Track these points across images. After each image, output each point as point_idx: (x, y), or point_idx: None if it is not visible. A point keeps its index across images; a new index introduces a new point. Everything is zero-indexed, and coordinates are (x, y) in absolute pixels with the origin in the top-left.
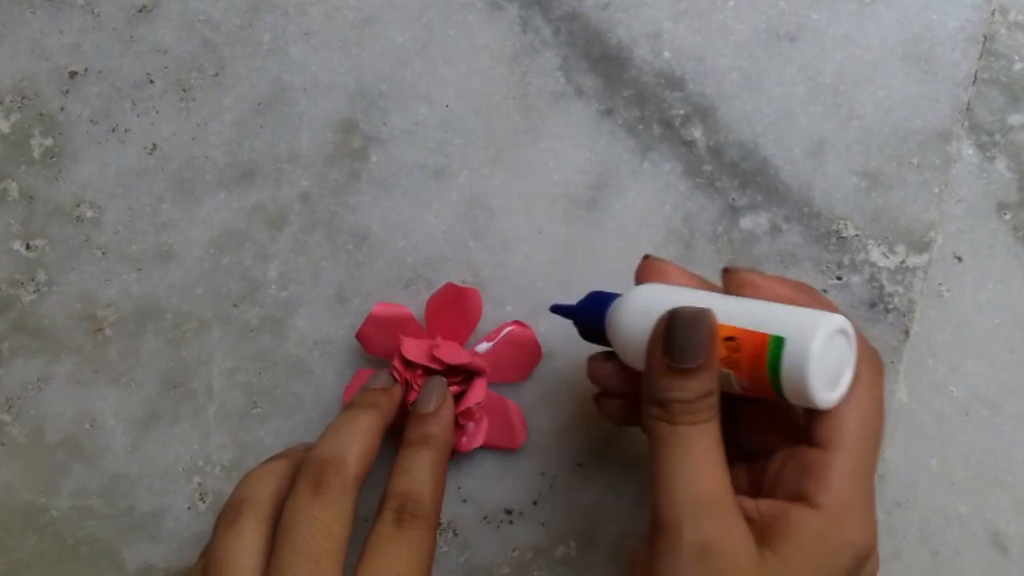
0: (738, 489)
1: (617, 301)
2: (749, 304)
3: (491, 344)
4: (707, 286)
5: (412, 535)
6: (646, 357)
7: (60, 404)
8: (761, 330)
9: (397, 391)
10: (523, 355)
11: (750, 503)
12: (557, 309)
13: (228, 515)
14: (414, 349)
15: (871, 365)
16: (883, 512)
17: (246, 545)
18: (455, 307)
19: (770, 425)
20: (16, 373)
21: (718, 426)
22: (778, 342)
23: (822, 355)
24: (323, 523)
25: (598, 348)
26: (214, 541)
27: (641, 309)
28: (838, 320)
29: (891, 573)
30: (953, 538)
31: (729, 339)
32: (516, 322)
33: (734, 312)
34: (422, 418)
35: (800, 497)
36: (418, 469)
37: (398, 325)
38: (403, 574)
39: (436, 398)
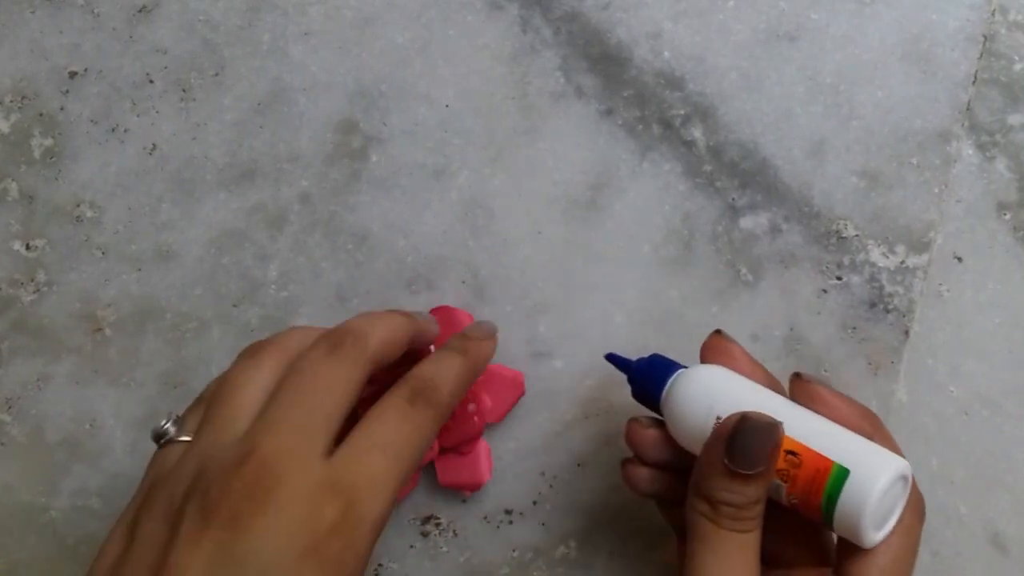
0: None
1: (680, 374)
2: (818, 423)
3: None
4: (770, 380)
5: (420, 416)
6: (704, 450)
7: (60, 404)
8: (827, 455)
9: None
10: (504, 394)
11: None
12: (613, 359)
13: (253, 348)
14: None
15: (914, 509)
16: None
17: (259, 379)
18: (449, 329)
19: (797, 539)
20: (16, 373)
21: (759, 537)
22: (842, 473)
23: (883, 497)
24: (327, 379)
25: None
26: (232, 368)
27: (704, 392)
28: (903, 465)
29: None
30: (953, 538)
31: (791, 453)
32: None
33: (801, 427)
34: (466, 335)
35: None
36: (447, 366)
37: None
38: (398, 446)
39: (488, 329)
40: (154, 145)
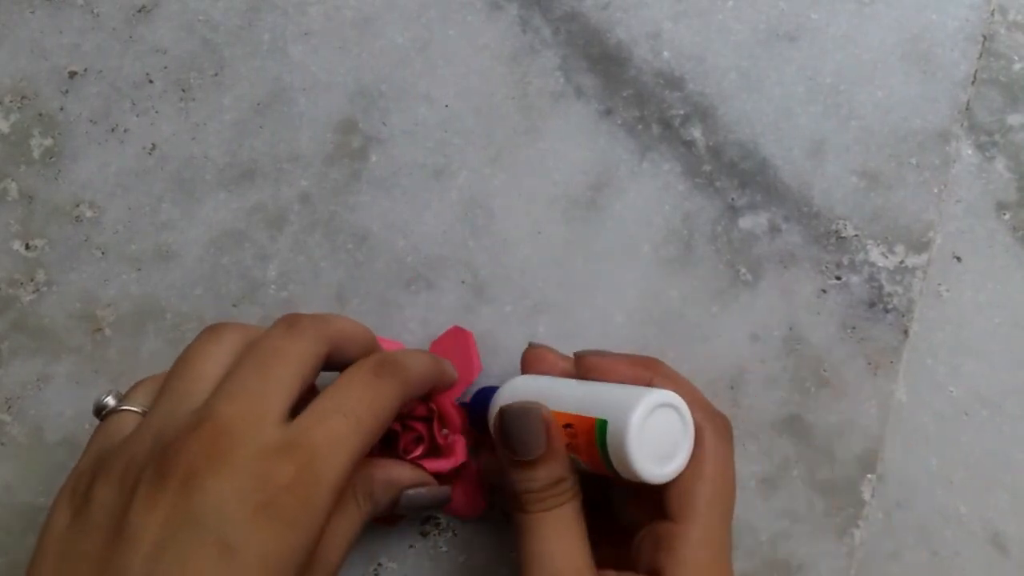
0: (616, 564)
1: (493, 397)
2: (587, 388)
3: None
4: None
5: (383, 386)
6: (498, 452)
7: (60, 404)
8: (589, 414)
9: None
10: (474, 496)
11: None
12: (462, 406)
13: (214, 327)
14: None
15: (717, 432)
16: (883, 512)
17: (218, 354)
18: (456, 352)
19: (638, 500)
20: (16, 373)
21: (575, 507)
22: (602, 425)
23: (641, 431)
24: (283, 350)
25: None
26: (194, 343)
27: (508, 403)
28: (661, 395)
29: (890, 573)
30: (953, 538)
31: (568, 426)
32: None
33: (573, 398)
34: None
35: (655, 570)
36: (414, 355)
37: None
38: (360, 412)
39: (451, 369)
40: (154, 145)
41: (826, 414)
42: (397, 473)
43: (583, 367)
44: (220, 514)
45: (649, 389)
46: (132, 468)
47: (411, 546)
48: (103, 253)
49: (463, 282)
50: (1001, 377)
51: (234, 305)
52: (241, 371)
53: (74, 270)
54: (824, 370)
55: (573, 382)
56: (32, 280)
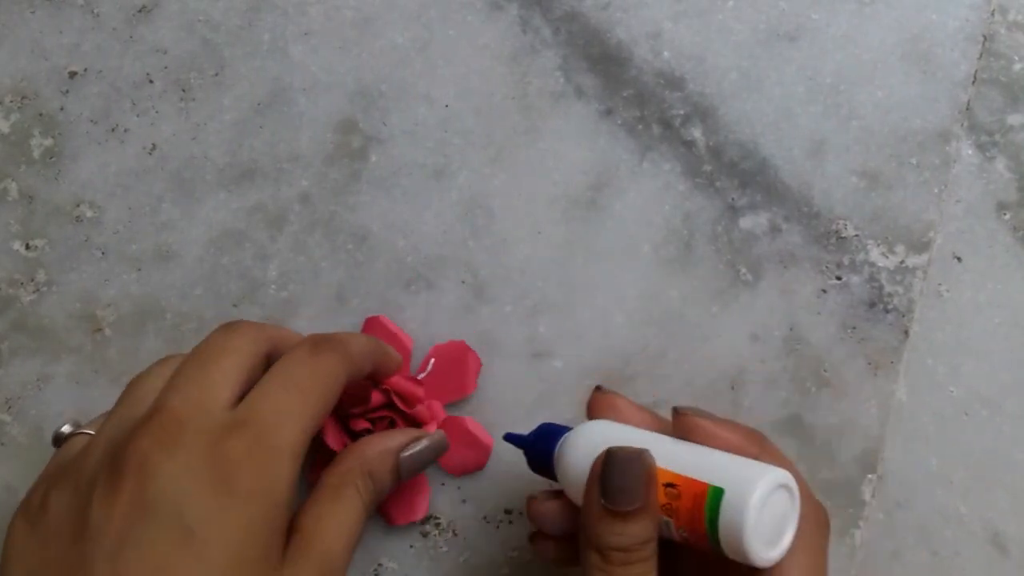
0: None
1: (566, 437)
2: (694, 450)
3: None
4: (658, 422)
5: (323, 359)
6: (584, 498)
7: (60, 404)
8: (702, 478)
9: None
10: (469, 451)
11: None
12: (510, 438)
13: (232, 324)
14: (334, 432)
15: (815, 522)
16: (883, 512)
17: (164, 374)
18: (453, 364)
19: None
20: (16, 373)
21: (655, 574)
22: (717, 493)
23: (761, 510)
24: (223, 346)
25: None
26: (213, 335)
27: (589, 447)
28: (781, 475)
29: (891, 573)
30: (953, 538)
31: (669, 485)
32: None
33: (677, 457)
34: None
35: None
36: (352, 335)
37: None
38: (303, 384)
39: (393, 351)
40: (154, 145)
41: (826, 414)
42: (385, 441)
43: (684, 426)
44: (176, 498)
45: (769, 466)
46: (85, 472)
47: (411, 546)
48: (103, 253)
49: (463, 282)
50: (1001, 377)
51: (234, 305)
52: (185, 368)
53: (74, 270)
54: (824, 370)
55: (673, 440)
56: (32, 280)
